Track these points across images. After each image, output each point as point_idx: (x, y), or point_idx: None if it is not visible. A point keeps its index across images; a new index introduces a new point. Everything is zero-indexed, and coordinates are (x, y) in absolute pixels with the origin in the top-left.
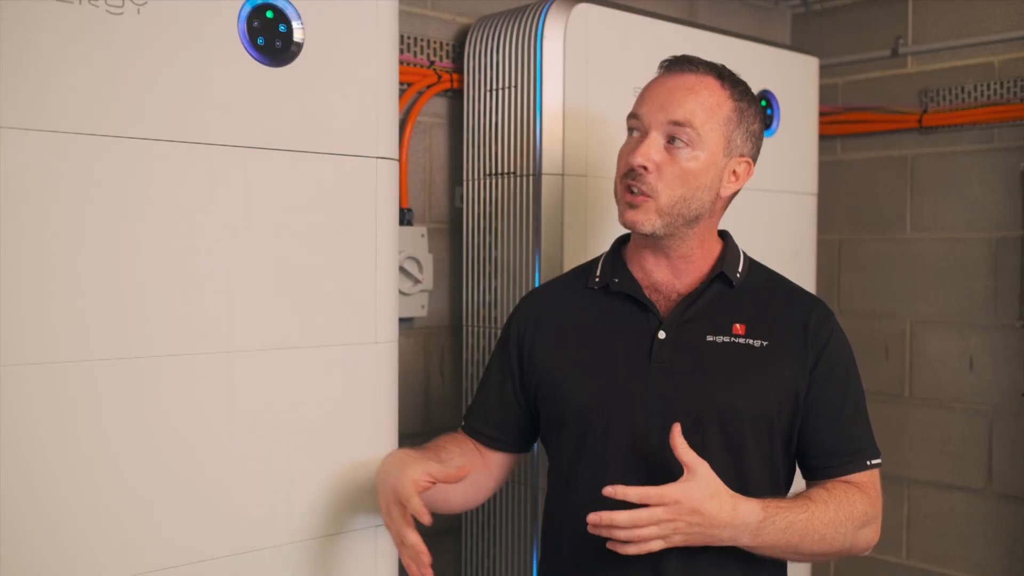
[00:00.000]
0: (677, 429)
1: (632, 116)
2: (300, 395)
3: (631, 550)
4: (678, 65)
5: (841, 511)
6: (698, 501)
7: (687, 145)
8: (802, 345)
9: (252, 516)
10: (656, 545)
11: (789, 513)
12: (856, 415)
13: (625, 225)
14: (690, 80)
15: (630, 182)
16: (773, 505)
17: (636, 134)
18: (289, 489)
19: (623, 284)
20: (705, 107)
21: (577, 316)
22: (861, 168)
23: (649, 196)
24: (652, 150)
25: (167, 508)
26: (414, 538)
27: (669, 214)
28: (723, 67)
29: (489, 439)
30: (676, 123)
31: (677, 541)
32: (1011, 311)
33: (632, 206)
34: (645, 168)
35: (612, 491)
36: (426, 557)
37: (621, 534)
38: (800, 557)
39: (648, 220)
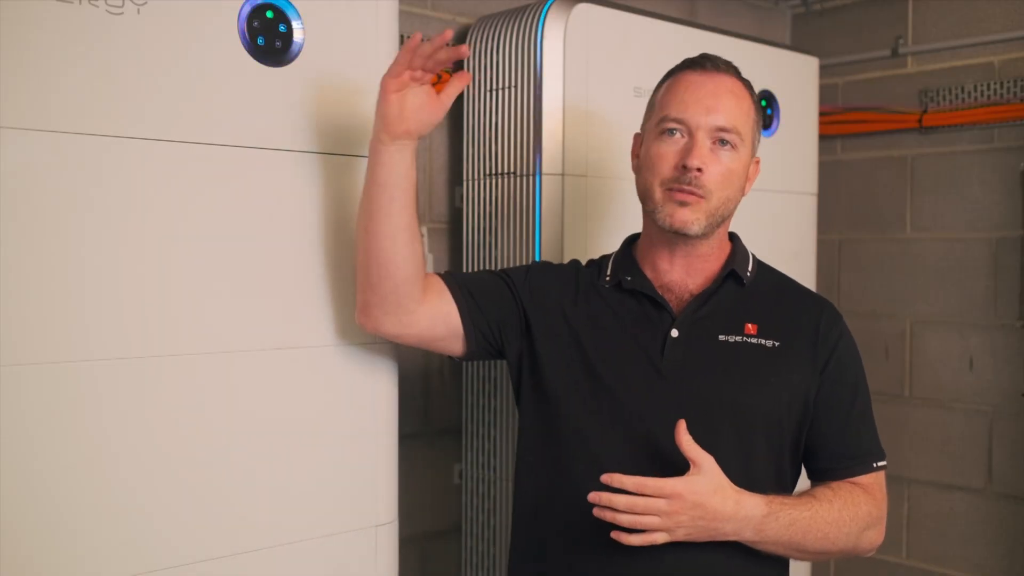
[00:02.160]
0: (682, 425)
1: (673, 119)
2: (300, 395)
3: (635, 540)
4: (711, 65)
5: (845, 511)
6: (701, 495)
7: (732, 148)
8: (812, 347)
9: (252, 516)
10: (660, 537)
11: (793, 510)
12: (863, 418)
13: (673, 227)
14: (728, 83)
15: (680, 185)
16: (777, 501)
17: (677, 135)
18: (289, 489)
19: (636, 282)
20: (744, 110)
21: (589, 312)
22: (861, 168)
23: (703, 197)
24: (705, 153)
25: (167, 508)
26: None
27: (714, 215)
28: (737, 68)
29: (455, 287)
30: (724, 128)
31: (681, 535)
32: (1011, 311)
33: (684, 204)
34: (700, 171)
35: (609, 478)
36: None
37: (623, 519)
38: (803, 555)
39: (698, 221)
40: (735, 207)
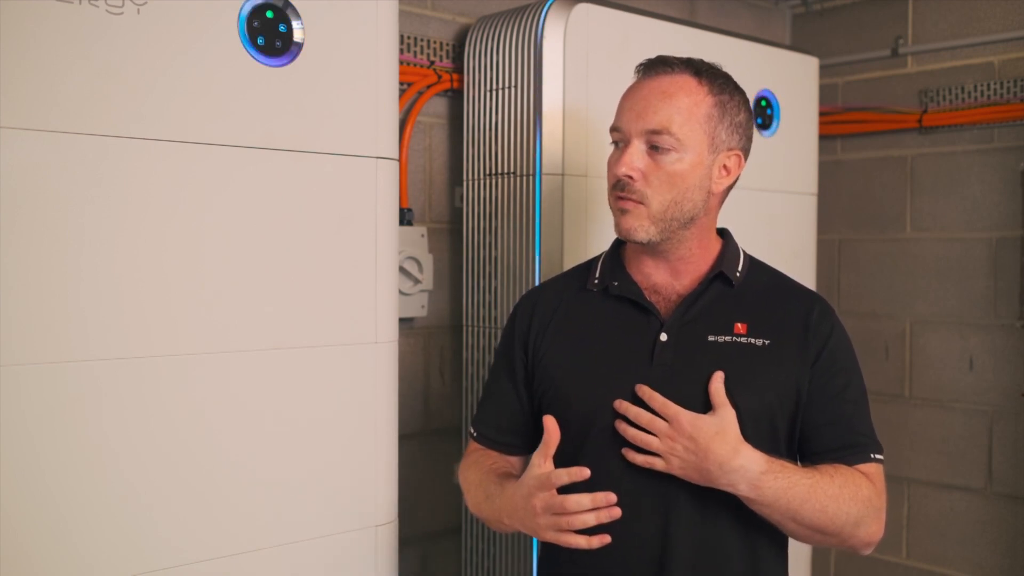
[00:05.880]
0: (720, 376)
1: (613, 128)
2: (300, 395)
3: (637, 459)
4: (652, 68)
5: (846, 488)
6: (699, 431)
7: (669, 150)
8: (803, 341)
9: (252, 516)
10: (659, 463)
11: (793, 475)
12: (858, 410)
13: (620, 235)
14: (664, 83)
15: (619, 193)
16: (779, 463)
17: (620, 145)
18: (289, 489)
19: (623, 288)
20: (682, 110)
21: (578, 319)
22: (861, 168)
23: (640, 203)
24: (635, 159)
25: (167, 508)
26: (584, 496)
27: (663, 219)
28: (700, 62)
29: (508, 446)
30: (653, 131)
31: (676, 466)
32: (1011, 311)
33: (624, 212)
34: (631, 177)
35: (640, 388)
36: (611, 496)
37: (630, 430)
38: (799, 528)
39: (642, 227)
40: (696, 207)
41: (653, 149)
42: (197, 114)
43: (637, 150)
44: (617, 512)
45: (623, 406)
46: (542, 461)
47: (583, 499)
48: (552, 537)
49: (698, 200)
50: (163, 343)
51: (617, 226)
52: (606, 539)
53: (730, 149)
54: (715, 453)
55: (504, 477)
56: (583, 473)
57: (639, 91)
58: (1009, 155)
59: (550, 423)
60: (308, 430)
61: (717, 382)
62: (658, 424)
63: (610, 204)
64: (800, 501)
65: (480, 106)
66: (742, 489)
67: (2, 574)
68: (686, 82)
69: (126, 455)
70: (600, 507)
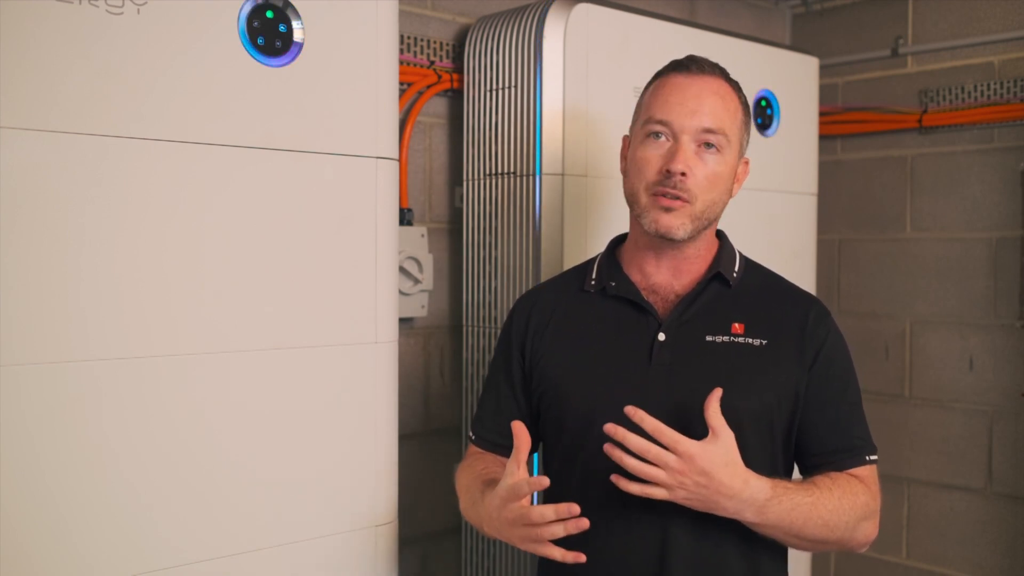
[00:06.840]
0: (717, 393)
1: (658, 121)
2: (300, 395)
3: (633, 488)
4: (696, 67)
5: (844, 499)
6: (711, 464)
7: (719, 150)
8: (800, 343)
9: (252, 516)
10: (659, 493)
11: (796, 495)
12: (854, 412)
13: (658, 232)
14: (713, 84)
15: (666, 189)
16: (781, 486)
17: (662, 139)
18: (289, 489)
19: (620, 288)
20: (730, 112)
21: (576, 319)
22: (861, 168)
23: (687, 201)
24: (689, 156)
25: (167, 508)
26: (548, 508)
27: (700, 218)
28: (723, 68)
29: (505, 448)
30: (710, 130)
31: (680, 497)
32: (1011, 311)
33: (668, 210)
34: (684, 175)
35: (632, 411)
36: (575, 508)
37: (629, 462)
38: (801, 541)
39: (683, 226)
40: (722, 209)
41: (702, 147)
42: (197, 114)
43: (689, 147)
44: (585, 523)
45: (621, 434)
46: (515, 468)
47: (547, 511)
48: (528, 548)
49: (725, 203)
50: (163, 343)
51: (654, 222)
52: (580, 557)
53: (744, 156)
54: (727, 486)
55: (488, 484)
56: (542, 482)
57: (687, 88)
58: (1009, 155)
59: (518, 428)
60: (308, 430)
61: (714, 403)
62: (667, 458)
63: (641, 199)
64: (803, 520)
65: (480, 106)
66: (748, 516)
67: (2, 574)
68: (726, 86)
69: (126, 455)
70: (564, 518)
